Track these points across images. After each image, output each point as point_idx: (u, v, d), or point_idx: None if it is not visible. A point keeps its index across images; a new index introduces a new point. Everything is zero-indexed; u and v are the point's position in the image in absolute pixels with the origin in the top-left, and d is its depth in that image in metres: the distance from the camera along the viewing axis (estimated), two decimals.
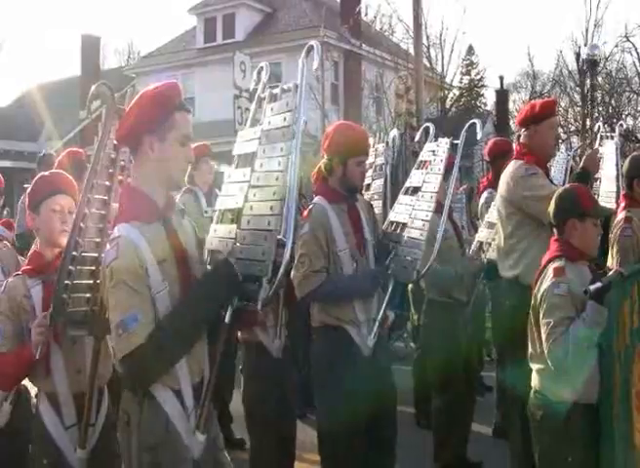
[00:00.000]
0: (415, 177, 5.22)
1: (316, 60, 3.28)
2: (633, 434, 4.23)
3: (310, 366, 4.69)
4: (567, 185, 4.23)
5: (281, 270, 2.93)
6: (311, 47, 3.33)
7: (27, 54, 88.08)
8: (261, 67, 3.58)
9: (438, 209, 5.11)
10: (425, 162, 5.28)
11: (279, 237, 2.96)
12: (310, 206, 4.61)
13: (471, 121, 5.56)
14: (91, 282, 3.33)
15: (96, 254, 3.32)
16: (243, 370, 4.99)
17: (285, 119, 3.08)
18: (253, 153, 3.21)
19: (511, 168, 5.03)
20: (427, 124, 5.62)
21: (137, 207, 2.94)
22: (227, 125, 16.71)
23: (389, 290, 4.69)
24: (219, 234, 3.25)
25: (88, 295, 3.32)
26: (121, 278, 2.76)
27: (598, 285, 3.64)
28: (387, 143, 5.98)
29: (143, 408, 2.88)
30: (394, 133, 6.23)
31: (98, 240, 3.33)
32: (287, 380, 4.93)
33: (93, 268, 3.33)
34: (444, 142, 5.22)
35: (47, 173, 3.83)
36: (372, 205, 5.02)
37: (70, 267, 3.25)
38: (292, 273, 4.42)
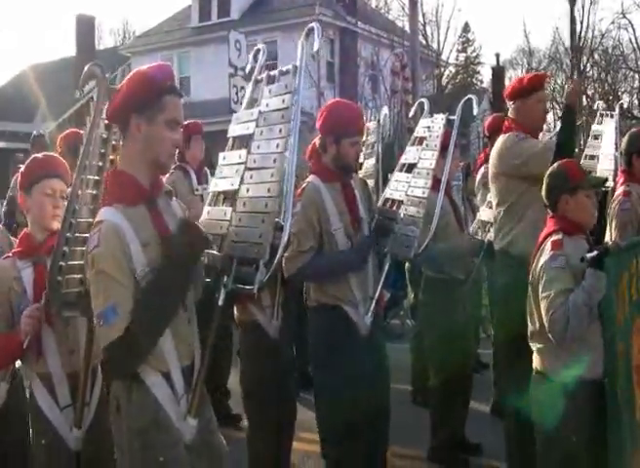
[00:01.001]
0: (410, 154, 5.20)
1: (316, 43, 3.26)
2: (635, 410, 4.26)
3: (301, 346, 4.65)
4: (555, 164, 4.21)
5: (279, 252, 2.93)
6: (311, 29, 3.31)
7: (22, 35, 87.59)
8: (258, 49, 3.56)
9: (435, 186, 5.10)
10: (420, 138, 5.26)
11: (276, 219, 2.97)
12: (304, 185, 4.55)
13: (467, 96, 5.55)
14: (83, 262, 3.21)
15: (88, 235, 3.21)
16: (240, 351, 4.96)
17: (284, 101, 3.08)
18: (249, 135, 3.20)
19: (501, 140, 5.02)
20: (422, 100, 5.60)
21: (121, 189, 2.92)
22: (223, 104, 16.68)
23: (386, 268, 4.68)
24: (212, 216, 3.25)
25: (81, 276, 3.26)
26: (101, 267, 2.76)
27: (595, 253, 3.66)
28: (379, 121, 5.95)
29: (132, 392, 2.88)
30: (385, 110, 6.19)
31: (90, 220, 3.24)
32: (284, 361, 4.93)
33: (85, 248, 3.24)
34: (439, 118, 5.20)
35: (40, 155, 3.77)
36: (366, 183, 4.96)
37: (65, 248, 3.21)
38: None
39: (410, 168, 5.13)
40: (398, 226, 4.76)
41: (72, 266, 3.25)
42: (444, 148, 5.20)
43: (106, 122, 3.28)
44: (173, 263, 2.83)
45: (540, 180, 4.15)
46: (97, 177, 3.30)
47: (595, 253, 3.67)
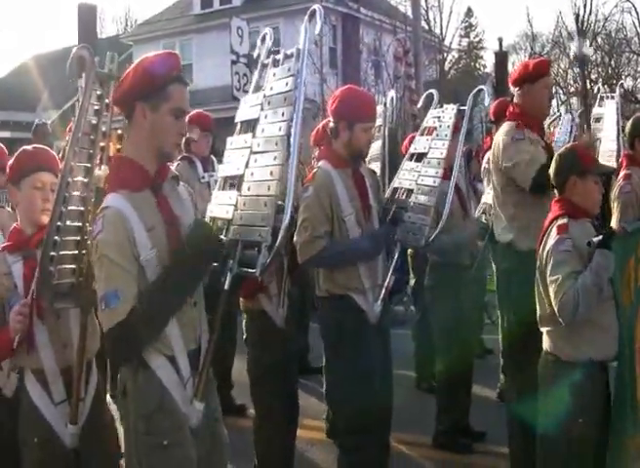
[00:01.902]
0: (419, 143, 5.19)
1: (319, 25, 3.26)
2: (636, 392, 4.26)
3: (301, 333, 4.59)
4: (567, 145, 4.21)
5: (280, 234, 2.93)
6: (314, 11, 3.30)
7: (24, 25, 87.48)
8: (265, 33, 3.55)
9: (445, 175, 5.08)
10: (430, 128, 5.24)
11: (279, 202, 2.97)
12: (314, 170, 4.53)
13: (479, 87, 5.55)
14: (76, 252, 3.23)
15: (79, 224, 3.23)
16: (247, 340, 4.93)
17: (287, 84, 3.07)
18: (255, 119, 3.20)
19: (503, 130, 4.99)
20: (431, 91, 5.58)
21: (125, 175, 2.93)
22: (225, 91, 16.65)
23: (396, 255, 4.66)
24: (219, 201, 3.25)
25: (73, 267, 3.22)
26: (104, 252, 2.77)
27: (600, 236, 3.67)
28: (385, 105, 5.93)
29: (138, 376, 2.90)
30: (392, 94, 6.17)
31: (82, 208, 3.24)
32: (290, 349, 4.92)
33: (77, 238, 3.23)
34: (450, 108, 5.20)
35: (30, 147, 3.67)
36: (374, 172, 4.95)
37: (55, 237, 3.14)
38: (294, 238, 4.37)
39: (419, 157, 5.12)
40: (408, 214, 4.76)
41: (64, 256, 3.18)
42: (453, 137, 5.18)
43: (96, 108, 3.23)
44: (184, 264, 2.86)
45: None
46: (87, 165, 3.25)
47: (601, 236, 3.67)
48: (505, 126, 4.99)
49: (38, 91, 29.70)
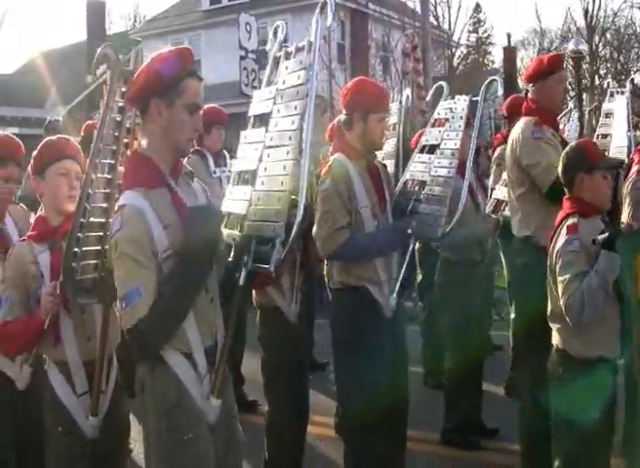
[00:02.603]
0: (431, 135, 5.16)
1: (330, 17, 3.24)
2: None
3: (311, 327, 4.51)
4: (573, 142, 4.19)
5: (294, 230, 2.92)
6: (325, 3, 3.29)
7: (33, 21, 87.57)
8: (277, 26, 3.55)
9: (459, 170, 5.04)
10: (441, 120, 5.21)
11: (292, 197, 2.96)
12: (330, 161, 4.49)
13: (491, 77, 5.53)
14: (99, 248, 3.28)
15: (103, 220, 3.27)
16: (260, 338, 4.88)
17: (299, 77, 3.07)
18: (268, 113, 3.20)
19: (521, 125, 4.97)
20: (441, 83, 5.56)
21: (141, 173, 2.93)
22: (234, 87, 16.62)
23: (410, 248, 4.63)
24: (234, 196, 3.25)
25: (96, 262, 3.28)
26: (123, 250, 2.77)
27: (605, 234, 3.65)
28: (401, 102, 5.91)
29: (156, 373, 2.90)
30: (408, 92, 6.15)
31: (105, 205, 3.28)
32: (303, 346, 4.91)
33: (100, 234, 3.28)
34: (462, 99, 5.17)
35: (54, 137, 3.74)
36: (385, 165, 4.90)
37: (79, 234, 3.19)
38: (314, 231, 4.34)
39: (430, 149, 5.09)
40: (423, 206, 4.74)
41: (87, 252, 3.23)
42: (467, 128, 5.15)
43: (120, 105, 3.26)
44: (191, 250, 2.84)
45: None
46: (111, 161, 3.29)
47: (606, 234, 3.65)
48: (523, 121, 4.97)
49: (46, 87, 29.71)
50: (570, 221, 3.90)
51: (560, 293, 3.81)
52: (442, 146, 5.00)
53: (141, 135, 3.05)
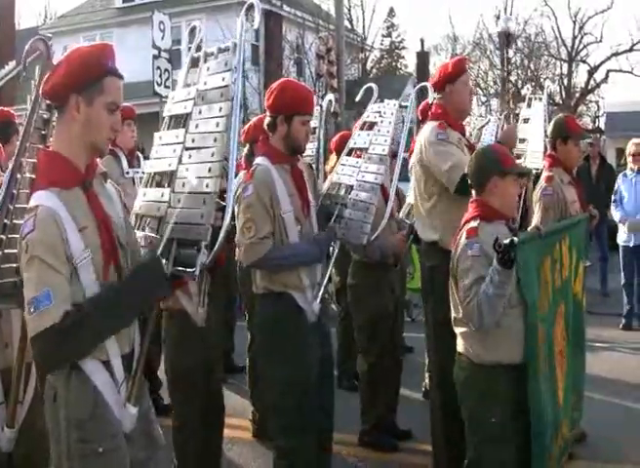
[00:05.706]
0: (360, 138, 5.14)
1: (257, 19, 3.21)
2: (557, 392, 4.34)
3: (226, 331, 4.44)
4: (485, 145, 4.24)
5: (221, 234, 2.87)
6: (251, 4, 3.25)
7: None
8: (195, 26, 3.48)
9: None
10: (371, 123, 5.20)
11: (216, 200, 2.91)
12: (253, 166, 4.43)
13: (422, 83, 5.57)
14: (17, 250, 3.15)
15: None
16: (165, 340, 4.77)
17: (224, 79, 3.00)
18: (187, 114, 3.11)
19: (426, 130, 5.02)
20: (371, 85, 5.54)
21: (55, 172, 2.80)
22: (146, 86, 16.38)
23: (334, 254, 4.60)
24: (148, 198, 3.15)
25: (17, 265, 3.05)
26: (36, 253, 2.63)
27: (506, 240, 3.60)
28: (321, 106, 5.89)
29: (71, 381, 2.76)
30: (330, 97, 6.11)
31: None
32: (211, 349, 4.81)
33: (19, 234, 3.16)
34: (392, 104, 5.17)
35: None
36: (312, 166, 4.89)
37: (1, 236, 3.07)
38: (236, 238, 4.31)
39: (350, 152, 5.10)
40: (349, 211, 4.73)
41: (8, 255, 3.10)
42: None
43: (48, 102, 3.12)
44: (135, 294, 2.80)
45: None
46: (36, 161, 3.14)
47: (505, 241, 3.59)
48: (428, 126, 5.02)
49: None
50: (470, 225, 3.91)
51: (459, 299, 3.85)
52: (370, 151, 5.00)
53: (56, 131, 2.91)
